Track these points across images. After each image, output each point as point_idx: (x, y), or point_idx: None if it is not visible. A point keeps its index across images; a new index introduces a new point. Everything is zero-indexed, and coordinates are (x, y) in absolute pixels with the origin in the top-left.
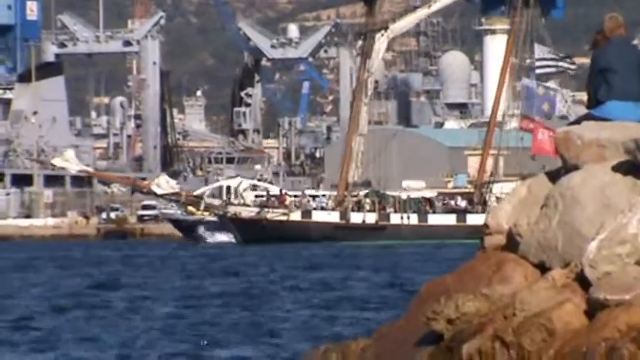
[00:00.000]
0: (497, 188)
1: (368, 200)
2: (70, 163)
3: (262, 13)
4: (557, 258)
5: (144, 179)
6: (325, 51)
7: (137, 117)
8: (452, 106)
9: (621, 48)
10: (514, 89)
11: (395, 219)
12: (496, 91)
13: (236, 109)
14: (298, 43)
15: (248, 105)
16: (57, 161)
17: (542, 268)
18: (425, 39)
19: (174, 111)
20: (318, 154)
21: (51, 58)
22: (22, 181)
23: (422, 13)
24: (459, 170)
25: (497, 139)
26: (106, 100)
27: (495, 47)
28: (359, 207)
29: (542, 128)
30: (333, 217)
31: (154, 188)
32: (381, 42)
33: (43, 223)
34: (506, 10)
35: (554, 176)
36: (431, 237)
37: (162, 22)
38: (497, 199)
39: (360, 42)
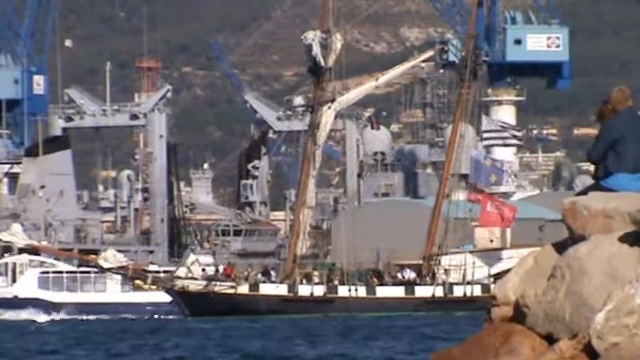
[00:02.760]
0: (446, 260)
1: (316, 273)
2: (16, 237)
3: (269, 86)
4: (565, 329)
5: (151, 252)
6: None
7: (144, 190)
8: (459, 178)
9: (631, 120)
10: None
11: (343, 291)
12: (445, 162)
13: (243, 181)
14: (304, 115)
15: (255, 177)
16: (3, 235)
17: (550, 340)
18: (431, 110)
19: (182, 184)
20: (324, 226)
21: (58, 132)
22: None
23: (369, 85)
24: (466, 241)
25: (446, 210)
26: (113, 173)
27: (502, 118)
28: (308, 280)
29: (490, 200)
30: (281, 289)
31: (101, 262)
32: (328, 115)
33: None
34: (512, 81)
35: (561, 247)
36: (379, 309)
37: (169, 95)
38: (446, 271)
39: (307, 115)
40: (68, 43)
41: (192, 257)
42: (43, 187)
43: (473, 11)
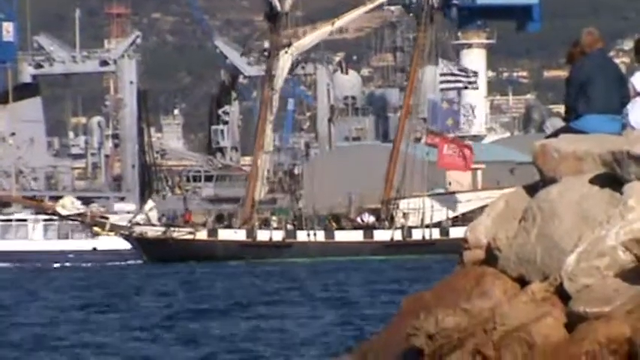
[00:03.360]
0: (405, 204)
1: (275, 218)
2: None
3: (239, 31)
4: (536, 271)
5: (122, 199)
6: (302, 67)
7: (115, 136)
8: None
9: (600, 62)
10: (492, 103)
11: (302, 236)
12: (403, 105)
13: (214, 127)
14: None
15: (226, 123)
16: None
17: (522, 282)
18: (401, 54)
19: (152, 130)
20: (296, 171)
21: (28, 79)
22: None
23: (325, 30)
24: (438, 184)
25: (404, 153)
26: (83, 120)
27: (472, 61)
28: (266, 224)
29: (448, 143)
30: (240, 235)
31: (59, 209)
32: (285, 60)
33: None
34: (482, 24)
35: (531, 189)
36: (338, 254)
37: (139, 41)
38: (405, 214)
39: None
40: None
41: (150, 203)
42: (13, 134)
43: None
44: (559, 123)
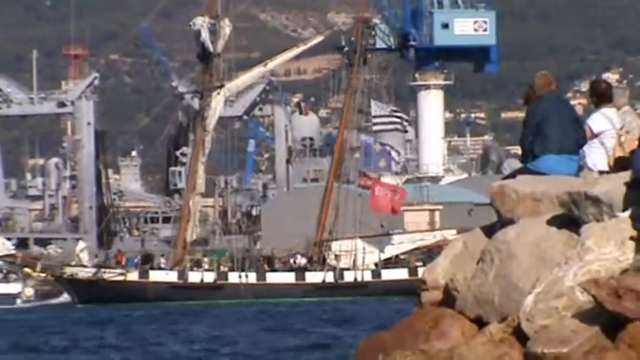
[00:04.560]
0: (336, 246)
1: (206, 259)
2: None
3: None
4: (494, 312)
5: (80, 239)
6: (260, 109)
7: (72, 177)
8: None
9: (555, 103)
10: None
11: (233, 277)
12: (335, 146)
13: (171, 168)
14: (233, 102)
15: (184, 164)
16: None
17: (480, 323)
18: (359, 95)
19: (110, 171)
20: (254, 212)
21: None
22: None
23: (258, 71)
24: (395, 226)
25: (336, 196)
26: (41, 161)
27: (430, 102)
28: (198, 266)
29: (379, 185)
30: (171, 276)
31: None
32: (217, 100)
33: None
34: (440, 65)
35: (489, 231)
36: (269, 295)
37: (97, 82)
38: (337, 256)
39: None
40: None
41: (80, 245)
42: None
43: None
44: (517, 164)
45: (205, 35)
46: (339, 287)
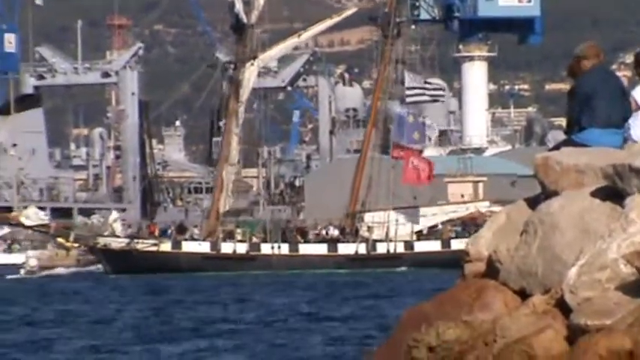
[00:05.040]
0: (369, 218)
1: (239, 230)
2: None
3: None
4: (538, 284)
5: (124, 210)
6: (304, 79)
7: (116, 148)
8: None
9: (604, 75)
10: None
11: (266, 249)
12: (368, 124)
13: (215, 139)
14: (277, 72)
15: None
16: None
17: (523, 295)
18: (402, 67)
19: (154, 141)
20: (297, 183)
21: (29, 90)
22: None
23: (292, 42)
24: (439, 197)
25: (369, 168)
26: (85, 131)
27: (473, 74)
28: (230, 237)
29: (413, 156)
30: (204, 247)
31: (23, 220)
32: (251, 71)
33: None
34: (483, 37)
35: (533, 202)
36: (302, 267)
37: (141, 52)
38: (369, 228)
39: (230, 71)
40: (39, 1)
41: (114, 215)
42: (14, 145)
43: None
44: (561, 136)
45: (239, 6)
46: (372, 259)
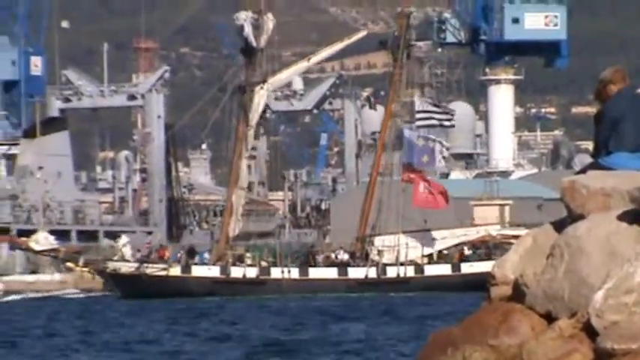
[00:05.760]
0: (379, 241)
1: (249, 254)
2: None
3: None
4: (564, 308)
5: (150, 233)
6: (330, 103)
7: (142, 171)
8: (457, 157)
9: (631, 99)
10: (519, 139)
11: (275, 273)
12: (378, 142)
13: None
14: (303, 95)
15: (253, 158)
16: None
17: (549, 318)
18: (429, 90)
19: (180, 164)
20: (323, 206)
21: (55, 113)
22: (28, 236)
23: (301, 66)
24: (465, 220)
25: (379, 191)
26: (111, 154)
27: (500, 97)
28: (240, 261)
29: (423, 180)
30: (214, 271)
31: (33, 245)
32: (260, 95)
33: (49, 279)
34: (510, 60)
35: (559, 226)
36: (312, 291)
37: (167, 75)
38: (379, 252)
39: (239, 95)
40: (65, 24)
41: (123, 239)
42: (40, 168)
43: None
44: (587, 159)
45: (248, 30)
46: (382, 283)
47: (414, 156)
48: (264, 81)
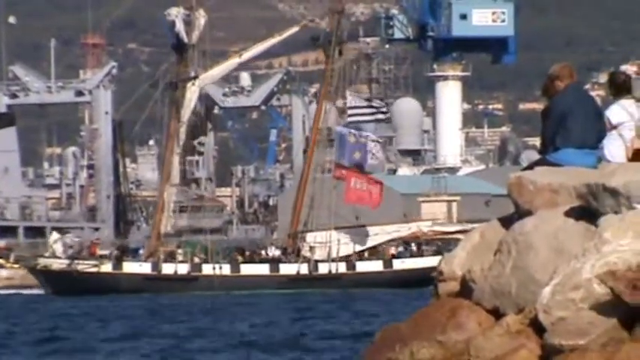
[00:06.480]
0: (311, 238)
1: (180, 250)
2: None
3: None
4: (511, 304)
5: (97, 229)
6: (278, 99)
7: (90, 167)
8: (405, 153)
9: (579, 95)
10: (467, 135)
11: (207, 269)
12: (310, 139)
13: (189, 158)
14: (250, 92)
15: (201, 154)
16: None
17: (497, 314)
18: (377, 86)
19: (127, 160)
20: (271, 202)
21: (3, 109)
22: None
23: (232, 62)
24: (413, 216)
25: (311, 188)
26: (58, 150)
27: (447, 93)
28: (172, 257)
29: (354, 177)
30: (145, 268)
31: None
32: (192, 91)
33: None
34: (457, 56)
35: (507, 222)
36: (243, 287)
37: (114, 71)
38: (311, 248)
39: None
40: (12, 19)
41: (54, 236)
42: None
43: None
44: (534, 155)
45: (180, 26)
46: (314, 279)
47: (346, 153)
48: (195, 77)
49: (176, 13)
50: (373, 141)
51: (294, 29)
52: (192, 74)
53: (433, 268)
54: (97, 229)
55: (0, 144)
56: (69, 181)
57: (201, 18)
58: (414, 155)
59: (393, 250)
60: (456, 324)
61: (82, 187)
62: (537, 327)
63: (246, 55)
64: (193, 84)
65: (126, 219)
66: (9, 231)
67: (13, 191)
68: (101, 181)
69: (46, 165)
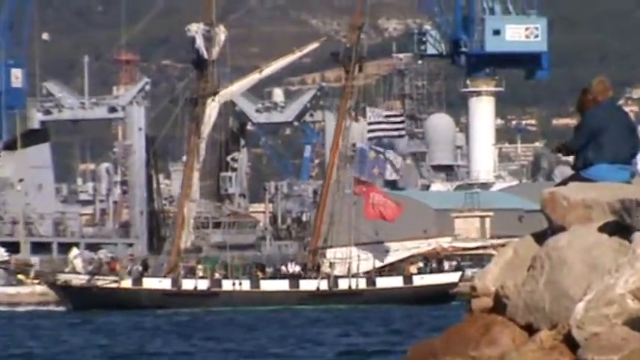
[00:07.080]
0: (331, 254)
1: (200, 266)
2: None
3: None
4: (545, 319)
5: (131, 245)
6: (311, 115)
7: (123, 183)
8: (438, 169)
9: (612, 111)
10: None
11: (227, 285)
12: (330, 154)
13: (222, 174)
14: (284, 107)
15: (234, 170)
16: None
17: (530, 330)
18: (410, 102)
19: (161, 176)
20: (304, 218)
21: (36, 125)
22: (9, 248)
23: (252, 78)
24: (446, 232)
25: (331, 204)
26: (92, 166)
27: (481, 109)
28: (191, 273)
29: (374, 192)
30: (165, 284)
31: None
32: (212, 107)
33: (30, 291)
34: (491, 72)
35: (540, 238)
36: (263, 303)
37: (148, 87)
38: (331, 264)
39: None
40: (45, 36)
41: (74, 251)
42: (21, 180)
43: (358, 1)
44: (568, 171)
45: (200, 42)
46: (334, 295)
47: (365, 168)
48: (215, 93)
49: (196, 29)
50: (394, 157)
51: (315, 45)
52: (212, 90)
53: (453, 284)
54: (130, 245)
55: (34, 160)
56: (102, 197)
57: (221, 34)
58: (447, 171)
59: (413, 269)
60: (489, 340)
61: (115, 203)
62: (571, 343)
63: (266, 70)
64: (213, 100)
65: (159, 235)
66: (43, 247)
67: (47, 207)
68: (134, 197)
69: (79, 181)
